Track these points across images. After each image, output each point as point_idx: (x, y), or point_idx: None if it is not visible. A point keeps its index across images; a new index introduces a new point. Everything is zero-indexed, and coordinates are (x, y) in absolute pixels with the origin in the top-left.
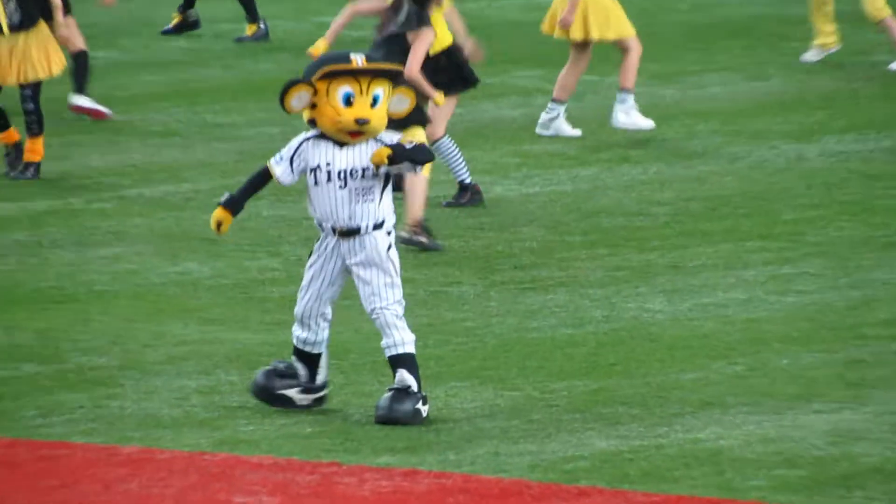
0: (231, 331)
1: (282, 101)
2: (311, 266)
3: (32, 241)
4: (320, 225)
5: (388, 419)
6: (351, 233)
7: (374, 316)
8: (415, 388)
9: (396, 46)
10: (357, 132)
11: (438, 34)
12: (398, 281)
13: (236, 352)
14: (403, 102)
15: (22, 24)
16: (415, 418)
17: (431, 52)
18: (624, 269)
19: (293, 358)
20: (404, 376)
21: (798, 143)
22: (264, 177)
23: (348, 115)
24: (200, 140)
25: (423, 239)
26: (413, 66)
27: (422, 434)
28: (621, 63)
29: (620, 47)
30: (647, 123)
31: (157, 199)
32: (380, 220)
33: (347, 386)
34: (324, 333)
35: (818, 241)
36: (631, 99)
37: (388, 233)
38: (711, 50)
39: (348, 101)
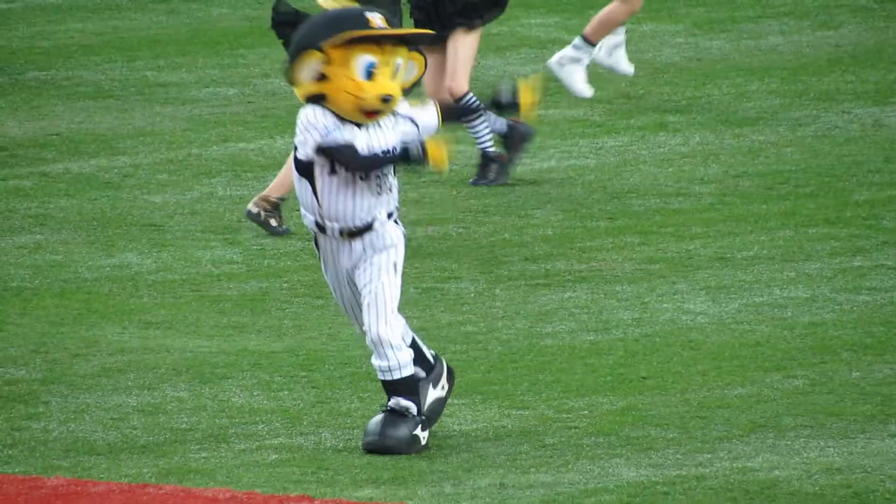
0: (179, 336)
1: (288, 72)
2: (326, 276)
3: None
4: (321, 227)
5: (377, 447)
6: (361, 231)
7: (365, 328)
8: (414, 411)
9: None
10: (376, 111)
11: None
12: (396, 283)
13: (186, 362)
14: (412, 71)
15: None
16: (411, 447)
17: None
18: (659, 261)
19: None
20: (400, 402)
21: (875, 106)
22: (354, 150)
23: (372, 91)
24: (140, 103)
25: (272, 221)
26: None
27: (412, 462)
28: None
29: None
30: (586, 91)
31: (87, 176)
32: (393, 208)
33: (321, 404)
34: (406, 354)
35: None
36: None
37: (396, 221)
38: None
39: (370, 73)
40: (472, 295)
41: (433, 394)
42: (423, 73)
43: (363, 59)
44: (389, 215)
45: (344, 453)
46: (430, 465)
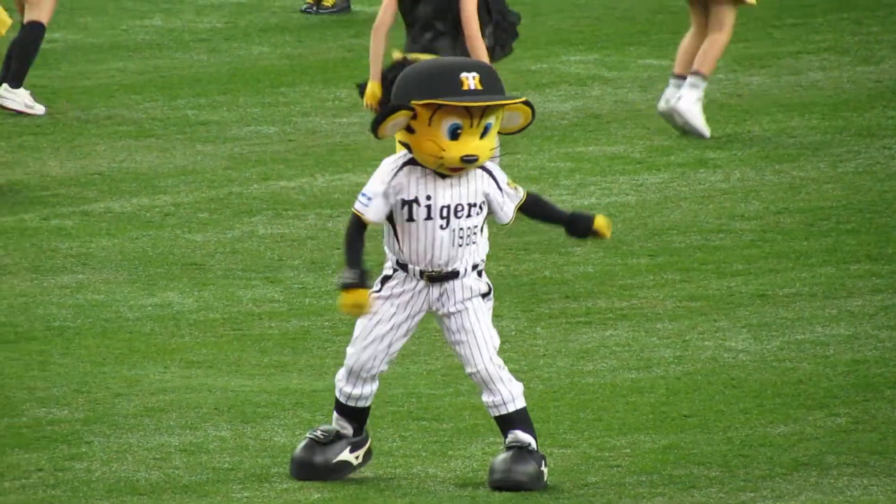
0: (221, 376)
1: (375, 127)
2: (376, 312)
3: None
4: (402, 266)
5: (507, 483)
6: (446, 277)
7: (472, 372)
8: (534, 445)
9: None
10: (460, 168)
11: None
12: (495, 334)
13: (227, 401)
14: (516, 119)
15: None
16: (538, 482)
17: None
18: (700, 298)
19: (334, 415)
20: (518, 436)
21: None
22: (360, 229)
23: (454, 153)
24: (181, 142)
25: None
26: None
27: (453, 499)
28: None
29: (714, 20)
30: (704, 130)
31: (128, 215)
32: (479, 261)
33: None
34: (375, 385)
35: None
36: (702, 88)
37: (480, 272)
38: (810, 26)
39: (454, 133)
40: (513, 333)
41: (345, 455)
42: (531, 121)
43: (448, 122)
44: (475, 267)
45: (386, 493)
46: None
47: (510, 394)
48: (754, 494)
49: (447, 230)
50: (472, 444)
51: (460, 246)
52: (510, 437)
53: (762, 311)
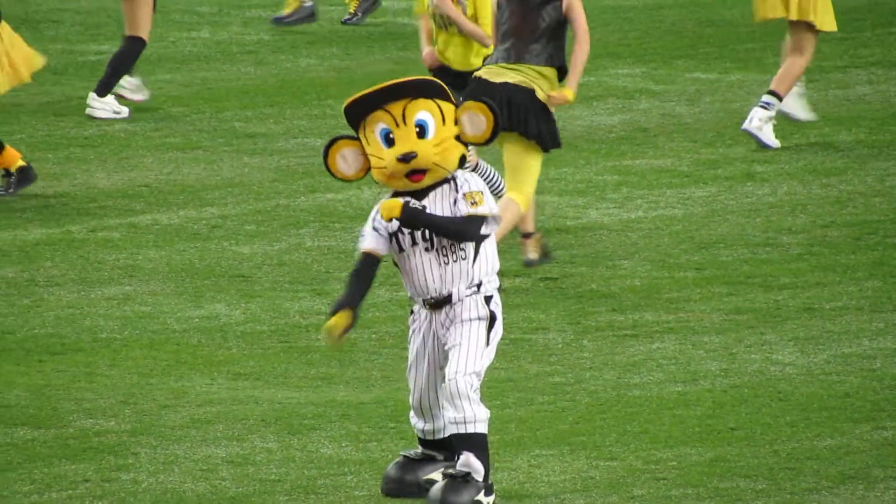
0: (268, 387)
1: (327, 166)
2: (412, 345)
3: (24, 278)
4: (413, 300)
5: None
6: (442, 303)
7: (448, 382)
8: (479, 475)
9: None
10: (411, 172)
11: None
12: (486, 353)
13: (274, 413)
14: (478, 122)
15: None
16: None
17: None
18: (747, 311)
19: (420, 449)
20: (470, 460)
21: None
22: (363, 262)
23: (390, 157)
24: (228, 154)
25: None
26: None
27: None
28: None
29: (794, 45)
30: (774, 142)
31: (175, 227)
32: (475, 282)
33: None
34: (447, 414)
35: None
36: (775, 109)
37: (489, 298)
38: (858, 40)
39: (388, 139)
40: (560, 346)
41: (436, 475)
42: (496, 124)
43: (377, 128)
44: (477, 287)
45: None
46: None
47: (473, 414)
48: None
49: (433, 251)
50: (518, 456)
51: (446, 264)
52: (460, 459)
53: (809, 325)
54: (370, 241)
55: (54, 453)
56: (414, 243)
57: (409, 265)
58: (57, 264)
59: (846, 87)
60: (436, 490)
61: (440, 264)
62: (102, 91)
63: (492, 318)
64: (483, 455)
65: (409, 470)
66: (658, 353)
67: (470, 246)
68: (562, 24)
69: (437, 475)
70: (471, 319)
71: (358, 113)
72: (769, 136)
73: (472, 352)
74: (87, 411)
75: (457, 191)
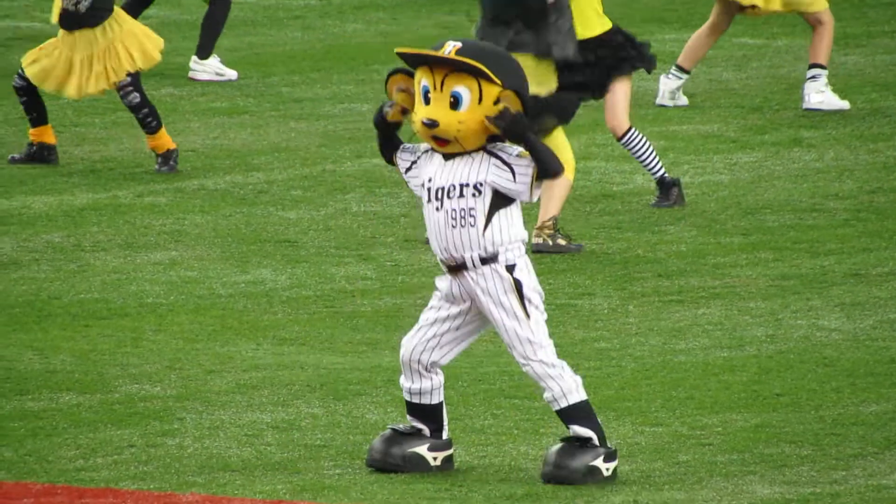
0: (313, 353)
1: (386, 85)
2: (430, 306)
3: (70, 243)
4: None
5: (553, 477)
6: (457, 268)
7: (524, 370)
8: (595, 440)
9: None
10: (436, 138)
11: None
12: (533, 322)
13: (320, 379)
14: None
15: (93, 16)
16: (588, 477)
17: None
18: (793, 277)
19: (408, 418)
20: (576, 430)
21: None
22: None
23: (420, 114)
24: (275, 119)
25: (561, 241)
26: None
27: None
28: (813, 36)
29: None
30: (843, 104)
31: (221, 192)
32: (488, 253)
33: (454, 420)
34: (435, 380)
35: None
36: (824, 76)
37: (511, 267)
38: None
39: (426, 97)
40: (606, 311)
41: (422, 450)
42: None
43: (421, 83)
44: (491, 258)
45: (478, 470)
46: None
47: (560, 388)
48: (846, 473)
49: (442, 212)
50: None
51: (453, 227)
52: (571, 430)
53: (855, 290)
54: (402, 158)
55: (100, 418)
56: (429, 200)
57: (428, 219)
58: (103, 229)
59: (893, 53)
60: (551, 453)
61: (449, 227)
62: (203, 53)
63: (517, 285)
64: (587, 422)
65: (395, 443)
66: (704, 319)
67: (480, 213)
68: None
69: (422, 450)
70: (498, 294)
71: (409, 62)
72: (835, 101)
73: (521, 333)
74: (132, 376)
75: (497, 159)
